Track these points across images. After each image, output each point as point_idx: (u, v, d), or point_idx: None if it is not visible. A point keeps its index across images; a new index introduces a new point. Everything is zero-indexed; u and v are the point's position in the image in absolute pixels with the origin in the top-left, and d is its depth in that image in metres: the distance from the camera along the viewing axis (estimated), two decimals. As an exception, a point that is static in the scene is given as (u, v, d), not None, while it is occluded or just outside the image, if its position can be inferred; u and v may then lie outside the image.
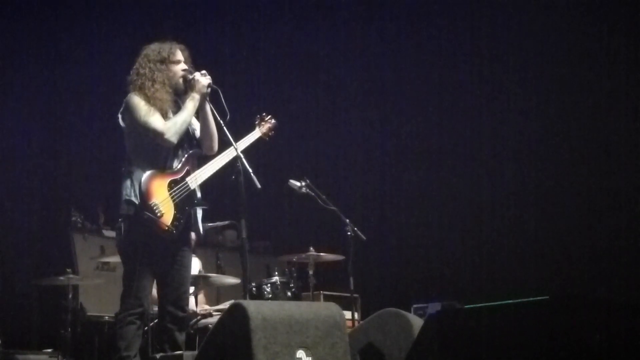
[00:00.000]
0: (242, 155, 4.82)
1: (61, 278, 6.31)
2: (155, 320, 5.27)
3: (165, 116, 4.85)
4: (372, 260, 8.45)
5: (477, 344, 3.26)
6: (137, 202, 4.70)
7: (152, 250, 4.74)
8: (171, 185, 4.80)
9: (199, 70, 5.00)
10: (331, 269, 7.15)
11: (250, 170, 4.74)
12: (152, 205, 4.66)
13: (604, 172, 7.60)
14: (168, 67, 4.94)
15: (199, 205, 4.93)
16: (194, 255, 5.97)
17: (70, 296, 6.34)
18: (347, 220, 6.55)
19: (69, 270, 6.39)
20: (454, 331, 3.37)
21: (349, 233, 6.51)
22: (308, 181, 6.58)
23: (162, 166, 4.84)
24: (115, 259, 5.99)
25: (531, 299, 3.24)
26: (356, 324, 6.66)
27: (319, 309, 4.42)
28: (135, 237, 4.72)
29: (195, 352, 4.46)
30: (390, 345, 4.64)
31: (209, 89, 4.95)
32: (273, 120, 5.54)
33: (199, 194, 4.94)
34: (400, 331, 4.61)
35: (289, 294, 6.49)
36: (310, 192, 6.57)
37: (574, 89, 7.83)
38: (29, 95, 8.27)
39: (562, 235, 7.69)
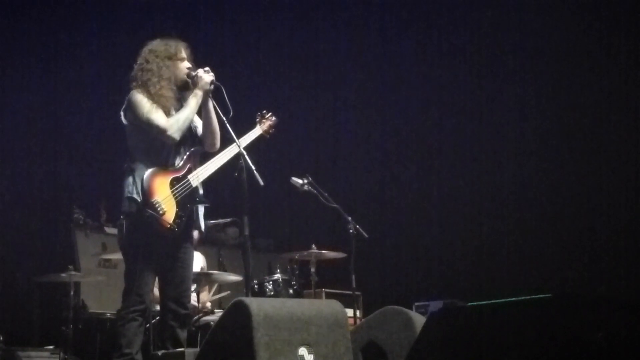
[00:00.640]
0: (244, 153, 4.82)
1: (63, 275, 6.31)
2: (157, 318, 5.28)
3: (168, 113, 4.85)
4: (374, 258, 8.45)
5: (479, 342, 3.25)
6: (139, 200, 4.70)
7: (154, 248, 4.74)
8: (173, 182, 4.79)
9: (200, 67, 5.01)
10: (333, 267, 7.15)
11: (253, 167, 4.73)
12: (154, 202, 4.66)
13: (604, 171, 7.60)
14: (174, 64, 4.94)
15: (201, 202, 4.93)
16: (197, 252, 5.98)
17: (71, 293, 6.33)
18: (349, 218, 6.55)
19: (70, 267, 6.39)
20: (456, 329, 3.37)
21: (351, 231, 6.51)
22: (310, 179, 6.59)
23: (164, 164, 4.84)
24: (116, 256, 5.99)
25: (533, 297, 3.23)
26: (358, 321, 6.65)
27: (321, 306, 4.42)
28: (137, 234, 4.72)
29: (197, 350, 4.47)
30: (392, 343, 4.64)
31: (212, 86, 4.95)
32: (274, 118, 5.55)
33: (200, 191, 4.94)
34: (402, 329, 4.60)
35: (291, 291, 6.49)
36: (312, 189, 6.57)
37: (573, 88, 7.83)
38: (29, 92, 8.27)
39: (564, 233, 7.69)
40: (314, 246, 6.79)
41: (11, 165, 7.99)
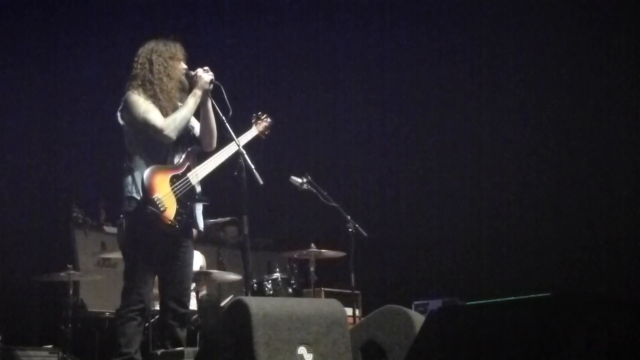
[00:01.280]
0: (244, 152, 4.82)
1: (62, 274, 6.30)
2: (157, 317, 5.27)
3: (167, 113, 4.85)
4: (374, 257, 8.45)
5: (479, 341, 3.25)
6: (138, 198, 4.70)
7: (154, 247, 4.74)
8: (173, 180, 4.80)
9: (196, 66, 5.01)
10: (332, 266, 7.15)
11: (253, 166, 4.73)
12: (154, 199, 4.66)
13: (604, 170, 7.59)
14: (175, 63, 4.95)
15: (200, 200, 4.93)
16: (197, 251, 5.98)
17: (71, 292, 6.33)
18: (349, 217, 6.54)
19: (69, 266, 6.38)
20: (456, 328, 3.36)
21: (350, 229, 6.51)
22: (310, 177, 6.59)
23: (163, 162, 4.84)
24: (116, 255, 5.99)
25: (533, 295, 3.23)
26: (357, 320, 6.65)
27: (320, 305, 4.41)
28: (136, 233, 4.72)
29: (197, 349, 4.46)
30: (391, 342, 4.63)
31: (211, 85, 4.95)
32: (269, 119, 5.55)
33: (198, 189, 4.94)
34: (402, 328, 4.60)
35: (290, 290, 6.49)
36: (311, 188, 6.57)
37: (574, 88, 7.82)
38: (28, 92, 8.27)
39: (564, 232, 7.69)
40: (313, 245, 6.79)
41: (11, 165, 7.98)
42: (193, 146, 5.02)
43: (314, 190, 6.56)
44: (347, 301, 6.17)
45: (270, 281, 6.45)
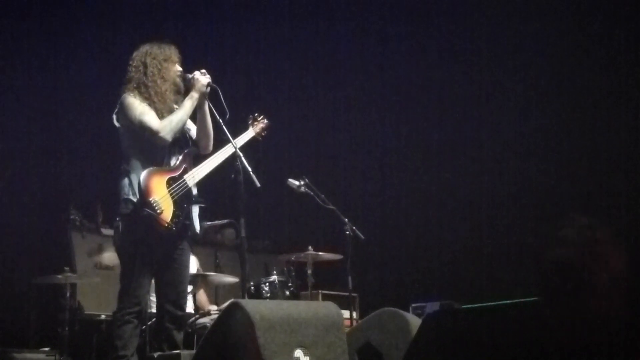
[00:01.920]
0: (241, 154, 4.82)
1: (59, 276, 6.30)
2: (153, 319, 5.27)
3: (162, 115, 4.85)
4: (371, 260, 8.44)
5: (475, 344, 3.25)
6: (135, 201, 4.70)
7: (151, 249, 4.73)
8: (170, 182, 4.80)
9: (191, 69, 5.02)
10: (330, 268, 7.14)
11: (250, 169, 4.74)
12: (151, 201, 4.66)
13: (604, 172, 7.59)
14: (169, 65, 4.95)
15: (197, 202, 4.93)
16: (191, 254, 5.97)
17: (68, 295, 6.33)
18: (346, 220, 6.55)
19: (66, 268, 6.38)
20: (452, 331, 3.36)
21: (347, 232, 6.51)
22: (307, 180, 6.59)
23: (159, 164, 4.84)
24: (112, 261, 5.98)
25: (530, 299, 3.23)
26: (354, 323, 6.65)
27: (317, 308, 4.41)
28: (133, 235, 4.72)
29: (193, 352, 4.46)
30: (388, 345, 4.63)
31: (209, 88, 4.95)
32: (266, 120, 5.56)
33: (195, 192, 4.95)
34: (399, 330, 4.60)
35: (288, 293, 6.48)
36: (309, 191, 6.57)
37: (573, 88, 7.82)
38: (28, 94, 8.26)
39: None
40: (310, 248, 6.79)
41: (8, 166, 7.96)
42: (189, 148, 5.03)
43: (312, 193, 6.57)
44: (344, 304, 6.18)
45: (267, 284, 6.44)
